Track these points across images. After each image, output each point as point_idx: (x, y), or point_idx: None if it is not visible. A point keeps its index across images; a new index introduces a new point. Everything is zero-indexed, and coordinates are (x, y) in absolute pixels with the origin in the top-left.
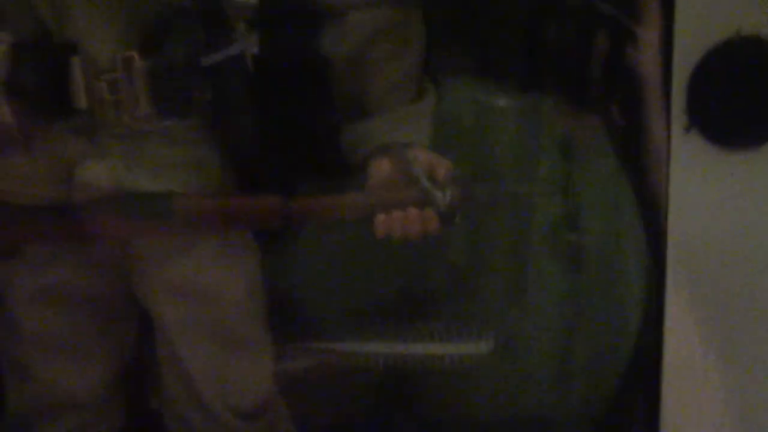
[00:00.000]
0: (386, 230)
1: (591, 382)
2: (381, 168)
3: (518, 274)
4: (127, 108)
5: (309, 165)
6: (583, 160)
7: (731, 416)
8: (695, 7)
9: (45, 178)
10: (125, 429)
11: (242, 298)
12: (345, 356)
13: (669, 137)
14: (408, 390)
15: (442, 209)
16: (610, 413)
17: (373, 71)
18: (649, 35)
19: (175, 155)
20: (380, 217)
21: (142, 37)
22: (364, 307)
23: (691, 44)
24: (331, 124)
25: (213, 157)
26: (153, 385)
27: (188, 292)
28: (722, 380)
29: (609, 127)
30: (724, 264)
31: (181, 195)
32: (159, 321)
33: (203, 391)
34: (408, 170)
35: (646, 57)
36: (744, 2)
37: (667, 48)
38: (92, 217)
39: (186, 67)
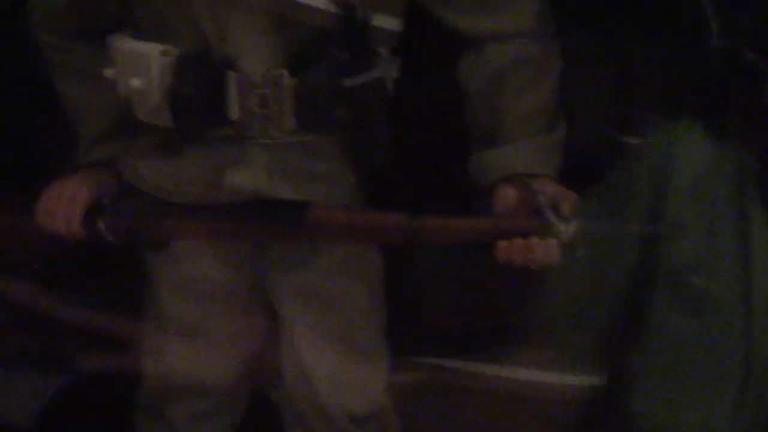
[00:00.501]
0: (507, 257)
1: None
2: (507, 196)
3: (637, 313)
4: (274, 121)
5: (437, 187)
6: (717, 203)
7: None
8: None
9: (196, 179)
10: (245, 419)
11: (366, 306)
12: (455, 374)
13: None
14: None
15: (565, 241)
16: None
17: (507, 101)
18: None
19: (314, 168)
20: (503, 243)
21: (292, 57)
22: (477, 328)
23: None
24: (462, 150)
25: (348, 172)
26: (274, 380)
27: (315, 297)
28: None
29: (746, 170)
30: None
31: (315, 205)
32: (286, 321)
33: (321, 392)
34: (533, 201)
35: None
36: None
37: None
38: (234, 219)
39: (330, 87)
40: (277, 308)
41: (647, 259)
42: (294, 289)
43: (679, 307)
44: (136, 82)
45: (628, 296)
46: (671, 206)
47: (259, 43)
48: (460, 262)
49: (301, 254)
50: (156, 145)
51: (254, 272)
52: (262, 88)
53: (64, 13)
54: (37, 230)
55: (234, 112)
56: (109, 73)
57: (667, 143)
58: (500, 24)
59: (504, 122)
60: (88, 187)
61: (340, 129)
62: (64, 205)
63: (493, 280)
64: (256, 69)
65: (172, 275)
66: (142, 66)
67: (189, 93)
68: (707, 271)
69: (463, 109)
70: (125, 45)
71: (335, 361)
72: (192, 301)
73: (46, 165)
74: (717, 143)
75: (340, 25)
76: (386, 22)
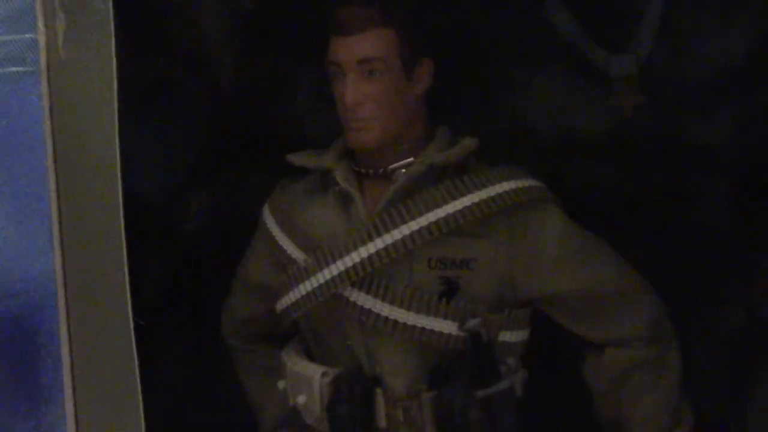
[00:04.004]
0: None
1: None
2: None
3: None
4: (416, 429)
5: None
6: None
7: None
8: None
9: None
10: None
11: None
12: None
13: None
14: None
15: None
16: None
17: (630, 401)
18: None
19: None
20: None
21: (430, 374)
22: None
23: None
24: None
25: None
26: None
27: None
28: None
29: None
30: None
31: None
32: None
33: None
34: None
35: None
36: None
37: None
38: None
39: (463, 400)
40: None
41: None
42: None
43: None
44: (301, 399)
45: None
46: None
47: (401, 364)
48: None
49: None
50: None
51: None
52: (405, 402)
53: (247, 324)
54: None
55: (382, 422)
56: (282, 385)
57: None
58: (615, 331)
59: (629, 420)
60: None
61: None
62: None
63: None
64: (400, 386)
65: None
66: (306, 385)
67: (343, 409)
68: None
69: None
70: (294, 365)
71: None
72: None
73: None
74: None
75: (469, 346)
76: (512, 336)
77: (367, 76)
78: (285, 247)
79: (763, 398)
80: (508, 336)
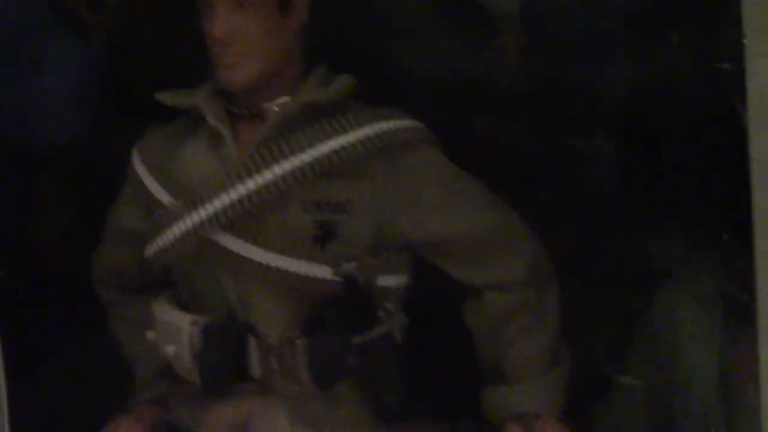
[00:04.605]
0: None
1: None
2: None
3: None
4: (291, 377)
5: (450, 422)
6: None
7: None
8: None
9: (225, 427)
10: None
11: None
12: None
13: None
14: None
15: None
16: None
17: (509, 344)
18: None
19: (332, 414)
20: None
21: (305, 321)
22: None
23: None
24: (471, 387)
25: (365, 415)
26: None
27: None
28: None
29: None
30: None
31: None
32: None
33: None
34: None
35: None
36: None
37: None
38: None
39: (339, 346)
40: None
41: None
42: None
43: None
44: (171, 349)
45: None
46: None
47: (275, 310)
48: None
49: None
50: (195, 392)
51: None
52: (279, 350)
53: (117, 273)
54: None
55: (255, 371)
56: (151, 335)
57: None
58: (495, 275)
59: (508, 362)
60: (141, 425)
61: (354, 378)
62: None
63: None
64: (274, 333)
65: None
66: (175, 335)
67: (214, 358)
68: None
69: (471, 352)
70: (162, 314)
71: None
72: None
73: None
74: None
75: (345, 292)
76: (391, 281)
77: (237, 8)
78: (154, 191)
79: (641, 341)
80: (386, 281)
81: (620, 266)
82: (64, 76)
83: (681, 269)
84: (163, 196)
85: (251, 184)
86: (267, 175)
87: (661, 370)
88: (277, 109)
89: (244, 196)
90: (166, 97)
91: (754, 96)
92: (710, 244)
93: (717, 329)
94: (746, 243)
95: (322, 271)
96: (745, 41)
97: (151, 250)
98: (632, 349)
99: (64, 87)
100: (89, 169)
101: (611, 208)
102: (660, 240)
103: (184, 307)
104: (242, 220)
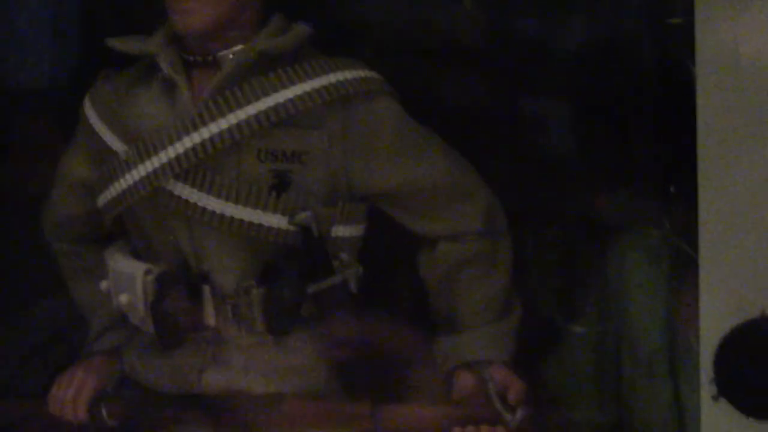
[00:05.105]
0: None
1: None
2: (463, 384)
3: None
4: (246, 326)
5: (401, 375)
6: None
7: None
8: (721, 288)
9: (180, 376)
10: None
11: None
12: None
13: (699, 404)
14: None
15: (512, 427)
16: None
17: (462, 293)
18: None
19: (287, 362)
20: (456, 430)
21: (259, 270)
22: None
23: (718, 321)
24: (424, 337)
25: (320, 364)
26: None
27: None
28: None
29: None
30: None
31: (287, 397)
32: None
33: None
34: (484, 389)
35: None
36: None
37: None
38: (215, 410)
39: (294, 295)
40: None
41: None
42: None
43: None
44: (124, 298)
45: None
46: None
47: (229, 260)
48: None
49: None
50: (149, 342)
51: None
52: (234, 299)
53: (69, 224)
54: (50, 417)
55: (210, 319)
56: (104, 285)
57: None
58: (449, 226)
59: (460, 312)
60: (94, 376)
61: (309, 326)
62: (72, 394)
63: None
64: (228, 282)
65: None
66: (129, 284)
67: (169, 308)
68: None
69: (424, 301)
70: (116, 263)
71: None
72: None
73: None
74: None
75: (300, 241)
76: (346, 231)
77: None
78: (106, 139)
79: (591, 291)
80: (341, 231)
81: (571, 218)
82: (39, 15)
83: (630, 221)
84: (116, 144)
85: (205, 132)
86: (222, 124)
87: (609, 319)
88: (232, 56)
89: (199, 144)
90: (117, 43)
91: (702, 50)
92: (658, 197)
93: (663, 279)
94: (692, 196)
95: (277, 221)
96: None
97: (103, 199)
98: (582, 299)
99: (39, 27)
100: (71, 112)
101: (563, 162)
102: (610, 193)
103: (138, 256)
104: (196, 169)
